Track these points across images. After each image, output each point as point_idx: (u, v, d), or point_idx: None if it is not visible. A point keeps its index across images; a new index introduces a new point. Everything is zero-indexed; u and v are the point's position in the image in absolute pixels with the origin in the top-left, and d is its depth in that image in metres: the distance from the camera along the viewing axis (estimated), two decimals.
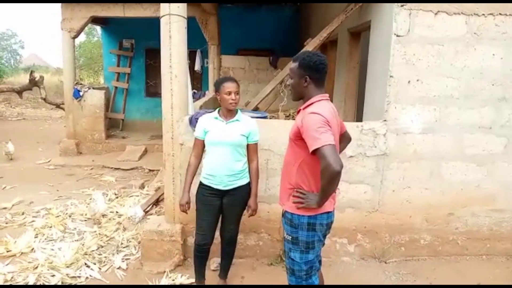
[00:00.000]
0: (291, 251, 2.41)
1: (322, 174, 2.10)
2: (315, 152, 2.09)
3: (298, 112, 2.40)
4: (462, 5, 3.56)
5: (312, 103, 2.31)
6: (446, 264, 3.77)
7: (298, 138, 2.27)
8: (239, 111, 3.06)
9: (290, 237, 2.40)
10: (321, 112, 2.18)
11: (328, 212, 2.37)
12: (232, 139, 2.94)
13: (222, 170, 2.96)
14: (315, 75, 2.32)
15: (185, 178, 3.11)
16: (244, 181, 3.07)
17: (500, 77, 3.67)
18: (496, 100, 3.70)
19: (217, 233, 3.21)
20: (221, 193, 3.03)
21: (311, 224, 2.33)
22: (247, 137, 3.01)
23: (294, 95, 2.45)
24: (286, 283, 2.54)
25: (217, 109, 3.07)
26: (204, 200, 3.06)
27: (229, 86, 2.92)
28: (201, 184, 3.08)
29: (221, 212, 3.11)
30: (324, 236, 2.46)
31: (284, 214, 2.48)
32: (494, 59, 3.65)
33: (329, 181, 2.09)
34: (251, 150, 3.07)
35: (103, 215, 4.74)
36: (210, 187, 3.02)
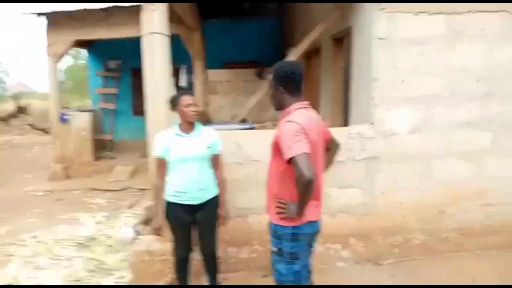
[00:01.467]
0: (277, 262, 2.38)
1: (296, 183, 2.11)
2: (290, 161, 2.08)
3: (279, 121, 2.38)
4: (441, 4, 3.59)
5: (290, 112, 2.30)
6: (441, 262, 3.73)
7: (278, 148, 2.25)
8: (198, 123, 3.03)
9: (276, 248, 2.37)
10: (296, 120, 2.18)
11: (312, 222, 2.33)
12: (199, 152, 2.91)
13: (194, 185, 2.90)
14: (288, 84, 2.32)
15: (154, 202, 3.03)
16: (214, 193, 3.04)
17: (484, 73, 3.69)
18: (481, 96, 3.71)
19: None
20: (193, 208, 2.96)
21: (294, 234, 2.29)
22: (211, 148, 2.98)
23: (273, 105, 2.45)
24: None
25: (175, 125, 3.01)
26: (176, 219, 3.00)
27: (187, 99, 2.92)
28: (168, 202, 2.99)
29: (193, 225, 3.04)
30: (310, 246, 2.43)
31: (270, 225, 2.45)
32: (476, 55, 3.67)
33: (303, 189, 2.08)
34: (216, 160, 3.06)
35: (92, 239, 4.61)
36: (180, 204, 2.94)
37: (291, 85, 2.32)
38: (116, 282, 3.73)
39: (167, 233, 3.47)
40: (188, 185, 2.91)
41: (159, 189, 3.00)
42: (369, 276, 3.55)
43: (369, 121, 3.65)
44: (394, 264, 3.72)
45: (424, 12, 3.60)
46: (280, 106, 2.40)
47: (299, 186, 2.08)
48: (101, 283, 3.72)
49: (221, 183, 3.09)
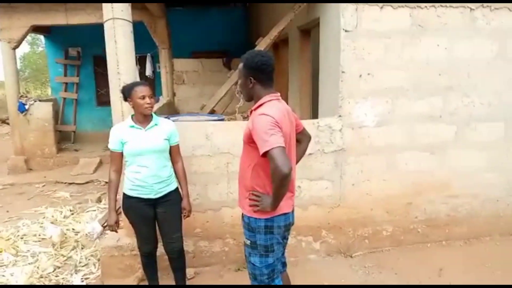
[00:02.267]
0: (251, 255, 2.37)
1: (272, 176, 2.10)
2: (265, 154, 2.07)
3: (251, 113, 2.36)
4: None
5: (262, 104, 2.27)
6: (409, 253, 3.86)
7: (251, 140, 2.23)
8: (154, 115, 2.93)
9: (249, 241, 2.37)
10: (270, 113, 2.14)
11: (286, 214, 2.34)
12: (156, 145, 2.84)
13: (151, 179, 2.83)
14: (260, 75, 2.28)
15: (108, 197, 2.93)
16: (173, 186, 2.99)
17: (446, 67, 3.79)
18: (443, 89, 3.82)
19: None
20: (152, 202, 2.90)
21: (268, 227, 2.29)
22: (168, 140, 2.92)
23: (244, 95, 2.42)
24: None
25: (129, 117, 2.92)
26: (135, 212, 2.93)
27: (142, 90, 2.79)
28: (127, 196, 2.92)
29: (155, 219, 2.99)
30: (284, 238, 2.44)
31: (243, 217, 2.44)
32: (438, 49, 3.77)
33: (279, 183, 2.08)
34: (174, 152, 3.00)
35: (58, 234, 4.48)
36: (138, 198, 2.88)
37: (262, 76, 2.29)
38: (84, 278, 3.66)
39: (128, 228, 3.42)
40: (146, 179, 2.83)
41: (113, 184, 2.89)
42: (340, 268, 3.62)
43: (337, 114, 3.69)
44: (365, 256, 3.82)
45: (389, 5, 3.64)
46: (250, 97, 2.36)
47: (275, 179, 2.07)
48: (69, 279, 3.64)
49: (181, 175, 3.02)
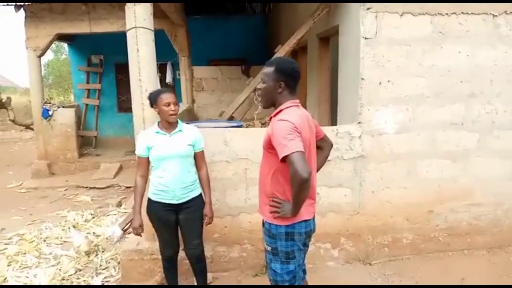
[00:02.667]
0: (272, 262, 2.36)
1: (291, 181, 2.10)
2: (285, 159, 2.07)
3: (270, 119, 2.37)
4: (426, 5, 3.63)
5: (281, 110, 2.28)
6: (430, 262, 3.80)
7: (270, 146, 2.24)
8: (179, 121, 3.00)
9: (270, 247, 2.36)
10: (289, 119, 2.15)
11: (306, 220, 2.33)
12: (180, 150, 2.88)
13: (174, 184, 2.88)
14: (290, 82, 2.30)
15: (134, 201, 3.00)
16: (197, 192, 3.02)
17: (468, 74, 3.75)
18: (465, 97, 3.77)
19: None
20: (175, 207, 2.95)
21: (289, 233, 2.29)
22: (193, 146, 2.96)
23: (265, 101, 2.38)
24: None
25: (156, 123, 2.99)
26: (158, 217, 2.99)
27: (167, 97, 2.86)
28: (150, 201, 2.98)
29: (177, 224, 3.03)
30: (305, 245, 2.42)
31: (263, 224, 2.45)
32: (460, 56, 3.73)
33: (298, 188, 2.07)
34: (199, 158, 3.03)
35: (79, 237, 4.56)
36: (161, 202, 2.93)
37: (293, 83, 2.31)
38: (104, 281, 3.72)
39: (148, 232, 3.47)
40: (168, 184, 2.88)
41: (138, 188, 2.97)
42: (359, 276, 3.59)
43: (357, 121, 3.69)
44: (384, 264, 3.77)
45: (410, 12, 3.64)
46: (272, 103, 2.35)
47: (294, 184, 2.07)
48: (90, 282, 3.70)
49: (205, 181, 3.06)
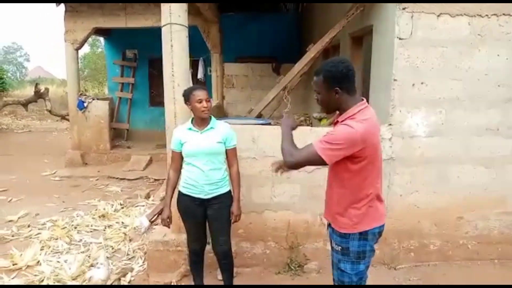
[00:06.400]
0: (341, 262, 2.28)
1: (284, 156, 2.15)
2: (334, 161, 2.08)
3: (335, 124, 2.22)
4: (465, 6, 3.53)
5: (349, 117, 2.11)
6: (457, 269, 3.70)
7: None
8: (212, 118, 3.04)
9: (340, 247, 2.28)
10: (357, 128, 2.02)
11: (381, 226, 2.29)
12: (209, 147, 2.92)
13: (202, 180, 2.93)
14: (346, 83, 2.13)
15: (165, 193, 3.10)
16: (225, 189, 3.05)
17: (506, 78, 3.63)
18: (502, 102, 3.65)
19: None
20: (203, 202, 2.99)
21: (363, 233, 2.22)
22: (224, 143, 2.99)
23: (327, 109, 2.26)
24: None
25: (190, 120, 3.05)
26: (186, 210, 3.05)
27: (199, 94, 2.90)
28: (180, 193, 3.05)
29: (205, 219, 3.07)
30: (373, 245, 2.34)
31: (329, 225, 2.40)
32: (498, 60, 3.61)
33: (284, 159, 2.15)
34: (230, 155, 3.06)
35: (108, 226, 4.69)
36: (190, 196, 2.99)
37: (349, 84, 2.14)
38: (128, 266, 3.81)
39: (175, 224, 3.53)
40: (197, 179, 2.94)
41: (171, 181, 3.05)
42: (383, 280, 3.54)
43: (388, 122, 3.63)
44: (409, 269, 3.71)
45: (447, 13, 3.55)
46: (334, 109, 2.22)
47: (286, 156, 2.12)
48: (116, 269, 3.81)
49: (234, 178, 3.08)
